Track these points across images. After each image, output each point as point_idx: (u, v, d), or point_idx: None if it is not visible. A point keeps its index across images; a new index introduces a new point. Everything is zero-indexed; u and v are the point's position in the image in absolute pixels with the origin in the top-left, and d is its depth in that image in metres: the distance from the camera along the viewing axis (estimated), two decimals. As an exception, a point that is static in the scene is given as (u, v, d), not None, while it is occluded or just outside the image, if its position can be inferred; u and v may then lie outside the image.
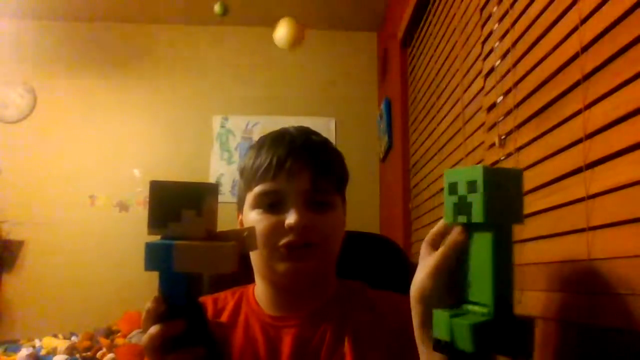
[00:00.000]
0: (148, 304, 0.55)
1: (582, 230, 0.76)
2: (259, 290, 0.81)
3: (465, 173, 0.55)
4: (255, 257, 0.77)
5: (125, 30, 3.19)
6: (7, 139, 3.04)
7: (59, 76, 3.12)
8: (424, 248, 0.60)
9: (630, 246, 0.65)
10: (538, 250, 0.92)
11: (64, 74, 3.12)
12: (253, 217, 0.75)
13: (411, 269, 1.04)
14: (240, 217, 0.82)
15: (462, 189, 0.55)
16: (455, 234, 0.56)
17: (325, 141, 0.82)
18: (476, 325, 0.50)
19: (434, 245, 0.59)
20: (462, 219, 0.55)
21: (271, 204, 0.75)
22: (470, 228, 0.56)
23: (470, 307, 0.55)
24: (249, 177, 0.78)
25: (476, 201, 0.53)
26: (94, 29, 3.17)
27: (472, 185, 0.54)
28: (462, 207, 0.55)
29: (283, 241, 0.72)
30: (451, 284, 0.56)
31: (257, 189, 0.76)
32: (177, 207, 0.53)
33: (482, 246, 0.54)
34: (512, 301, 0.54)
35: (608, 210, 0.71)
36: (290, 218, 0.72)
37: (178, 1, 2.94)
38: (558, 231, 0.85)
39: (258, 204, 0.76)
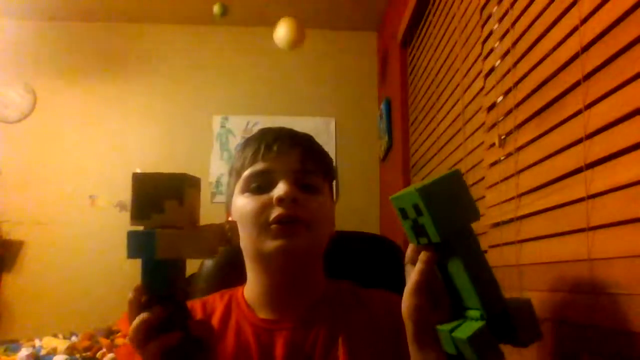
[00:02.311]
0: (129, 295, 0.54)
1: (582, 230, 0.76)
2: (250, 289, 0.78)
3: (406, 198, 0.57)
4: (245, 243, 0.75)
5: (125, 31, 3.18)
6: (7, 139, 3.04)
7: (59, 76, 3.11)
8: (406, 268, 0.64)
9: (630, 246, 0.65)
10: (538, 250, 0.92)
11: (64, 74, 3.12)
12: (242, 202, 0.74)
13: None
14: (228, 217, 0.80)
15: (411, 213, 0.58)
16: (422, 255, 0.60)
17: (311, 136, 0.83)
18: (472, 337, 0.54)
19: (414, 263, 0.62)
20: (423, 240, 0.58)
21: (260, 186, 0.74)
22: (435, 246, 0.59)
23: (469, 312, 0.58)
24: (237, 168, 0.78)
25: (427, 224, 0.56)
26: (94, 29, 3.16)
27: (417, 209, 0.56)
28: (418, 229, 0.58)
29: (273, 215, 0.70)
30: (436, 297, 0.61)
31: (246, 172, 0.76)
32: (160, 198, 0.53)
33: (453, 259, 0.57)
34: (499, 294, 0.57)
35: (608, 210, 0.71)
36: (280, 190, 0.71)
37: (178, 1, 2.94)
38: (558, 231, 0.85)
39: (247, 187, 0.75)
